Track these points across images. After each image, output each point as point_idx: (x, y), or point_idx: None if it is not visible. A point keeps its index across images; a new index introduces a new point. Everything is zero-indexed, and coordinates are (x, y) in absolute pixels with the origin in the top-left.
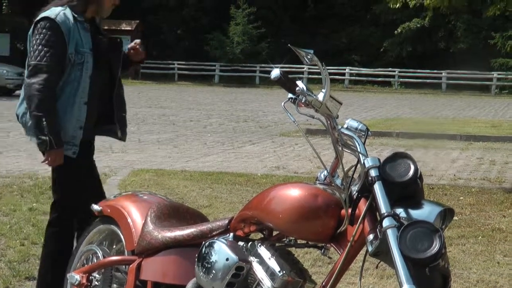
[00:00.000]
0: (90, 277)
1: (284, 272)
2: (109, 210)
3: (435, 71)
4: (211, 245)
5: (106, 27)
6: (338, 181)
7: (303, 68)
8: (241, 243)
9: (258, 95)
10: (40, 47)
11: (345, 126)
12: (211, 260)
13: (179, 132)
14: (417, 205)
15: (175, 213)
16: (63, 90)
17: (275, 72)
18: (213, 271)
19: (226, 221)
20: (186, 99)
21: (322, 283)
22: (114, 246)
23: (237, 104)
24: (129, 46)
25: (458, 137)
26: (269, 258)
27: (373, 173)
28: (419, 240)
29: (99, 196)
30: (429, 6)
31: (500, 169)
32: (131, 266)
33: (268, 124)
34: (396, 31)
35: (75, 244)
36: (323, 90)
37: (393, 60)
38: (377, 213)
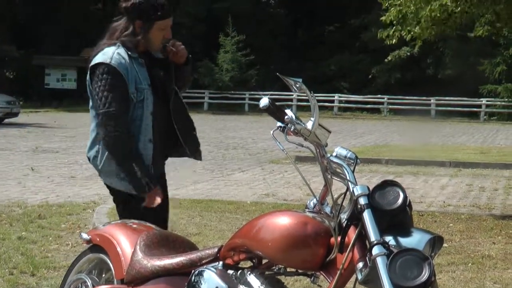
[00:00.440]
0: None
1: None
2: (98, 239)
3: (424, 97)
4: (200, 274)
5: None
6: (328, 209)
7: (292, 95)
8: (230, 272)
9: (248, 123)
10: (104, 93)
11: (334, 154)
12: None
13: (168, 160)
14: (407, 233)
15: (164, 242)
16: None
17: (264, 101)
18: None
19: (216, 250)
20: None
21: None
22: (104, 275)
23: (227, 131)
24: (168, 50)
25: (447, 164)
26: (259, 287)
27: (362, 201)
28: (408, 268)
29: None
30: (419, 37)
31: (490, 195)
32: None
33: (258, 151)
34: (386, 60)
35: None
36: (312, 119)
37: (381, 87)
38: (367, 241)
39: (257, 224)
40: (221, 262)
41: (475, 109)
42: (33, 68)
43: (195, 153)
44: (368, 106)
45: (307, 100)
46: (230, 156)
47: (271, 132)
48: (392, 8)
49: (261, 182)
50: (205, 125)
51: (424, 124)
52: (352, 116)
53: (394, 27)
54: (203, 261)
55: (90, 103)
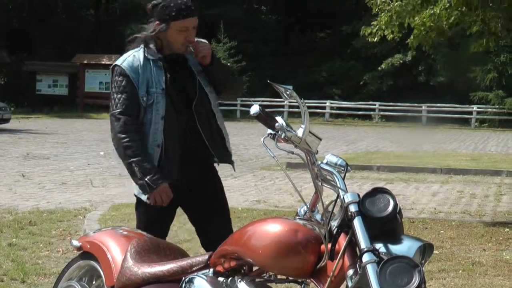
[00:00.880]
0: None
1: None
2: (89, 246)
3: (415, 104)
4: (191, 281)
5: (85, 61)
6: (318, 216)
7: (284, 102)
8: (221, 279)
9: (239, 129)
10: (113, 95)
11: (325, 161)
12: None
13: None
14: (397, 240)
15: (155, 249)
16: None
17: (255, 108)
18: None
19: (206, 257)
20: None
21: None
22: (94, 282)
23: None
24: (188, 51)
25: (438, 171)
26: None
27: (352, 208)
28: (398, 275)
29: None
30: (412, 45)
31: (481, 202)
32: None
33: (249, 158)
34: (380, 68)
35: None
36: (302, 126)
37: (373, 93)
38: (357, 248)
39: (248, 231)
40: (211, 269)
41: (466, 116)
42: (24, 73)
43: (225, 161)
44: (360, 112)
45: (299, 107)
46: None
47: (262, 139)
48: (382, 14)
49: (253, 189)
50: None
51: (416, 130)
52: (344, 122)
53: (378, 26)
54: (194, 268)
55: None
